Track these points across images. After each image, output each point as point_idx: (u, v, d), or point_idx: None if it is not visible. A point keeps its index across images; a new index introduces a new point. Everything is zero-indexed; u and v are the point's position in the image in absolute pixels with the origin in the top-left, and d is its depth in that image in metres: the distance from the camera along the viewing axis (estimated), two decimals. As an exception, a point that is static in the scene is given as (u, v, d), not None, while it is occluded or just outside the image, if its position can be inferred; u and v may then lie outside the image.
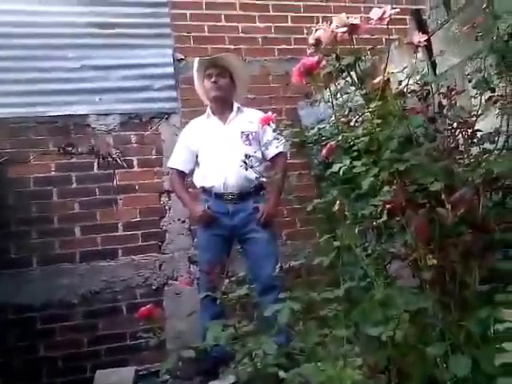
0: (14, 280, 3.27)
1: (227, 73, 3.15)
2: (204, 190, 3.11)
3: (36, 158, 3.46)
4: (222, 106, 3.18)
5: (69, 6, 3.68)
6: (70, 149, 3.52)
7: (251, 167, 2.31)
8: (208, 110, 3.23)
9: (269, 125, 2.15)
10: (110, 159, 3.58)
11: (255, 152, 2.95)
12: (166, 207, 3.68)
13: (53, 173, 3.48)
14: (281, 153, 3.03)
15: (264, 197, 3.06)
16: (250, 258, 3.04)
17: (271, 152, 3.06)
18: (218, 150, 3.04)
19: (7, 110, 3.46)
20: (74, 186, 3.51)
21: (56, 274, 3.37)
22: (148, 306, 1.43)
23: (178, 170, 3.20)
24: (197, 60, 3.19)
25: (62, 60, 3.62)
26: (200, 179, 3.13)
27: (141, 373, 3.22)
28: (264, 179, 2.97)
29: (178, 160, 3.22)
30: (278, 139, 1.91)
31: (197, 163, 3.16)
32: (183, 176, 3.22)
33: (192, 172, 3.20)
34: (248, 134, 3.07)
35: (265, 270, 2.72)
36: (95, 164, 3.57)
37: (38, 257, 3.37)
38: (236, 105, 3.21)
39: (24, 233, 3.37)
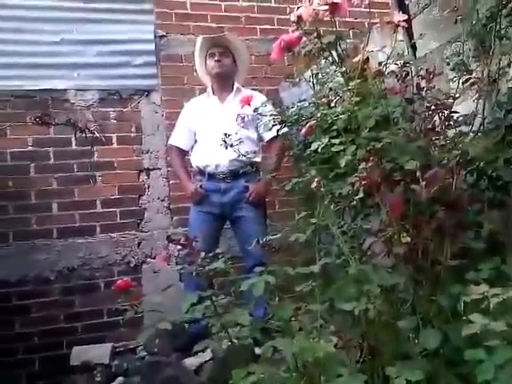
0: (-11, 255, 3.24)
1: (230, 53, 3.18)
2: (198, 169, 3.17)
3: (13, 132, 3.39)
4: (223, 85, 3.21)
5: (49, -21, 3.58)
6: (46, 119, 3.43)
7: (231, 146, 2.31)
8: (209, 89, 3.25)
9: (249, 105, 2.16)
10: (88, 133, 3.53)
11: (252, 133, 3.04)
12: (146, 185, 3.65)
13: (30, 147, 3.43)
14: (277, 136, 3.04)
15: (255, 176, 3.07)
16: (241, 236, 3.08)
17: (267, 135, 3.08)
18: (214, 131, 3.04)
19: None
20: (52, 161, 3.46)
21: (32, 250, 3.33)
22: (125, 279, 1.43)
23: (177, 147, 3.27)
24: (199, 38, 3.20)
25: (41, 33, 3.52)
26: (195, 159, 3.20)
27: (118, 349, 3.22)
28: (250, 159, 2.98)
29: (178, 137, 3.29)
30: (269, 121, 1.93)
31: (196, 142, 3.22)
32: (183, 153, 3.30)
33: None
34: (244, 116, 3.07)
35: (255, 248, 2.77)
36: (73, 140, 3.51)
37: (15, 232, 3.32)
38: (236, 85, 3.23)
39: (0, 208, 3.32)
